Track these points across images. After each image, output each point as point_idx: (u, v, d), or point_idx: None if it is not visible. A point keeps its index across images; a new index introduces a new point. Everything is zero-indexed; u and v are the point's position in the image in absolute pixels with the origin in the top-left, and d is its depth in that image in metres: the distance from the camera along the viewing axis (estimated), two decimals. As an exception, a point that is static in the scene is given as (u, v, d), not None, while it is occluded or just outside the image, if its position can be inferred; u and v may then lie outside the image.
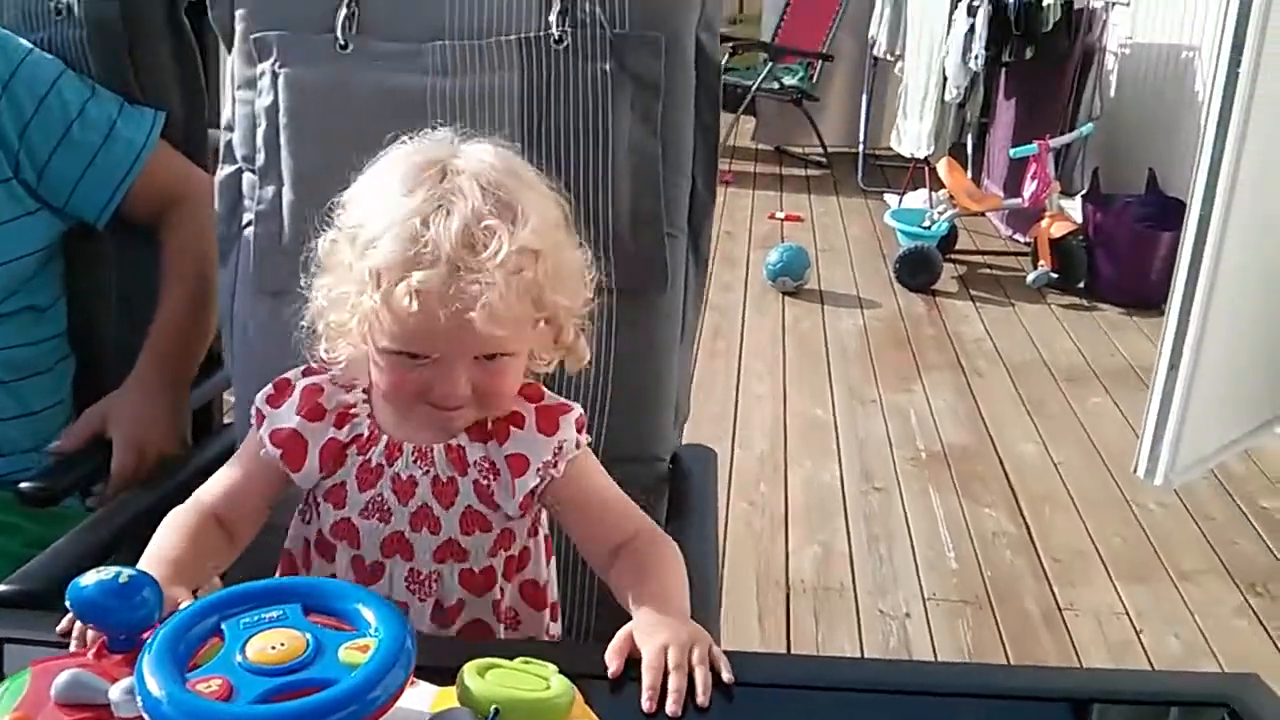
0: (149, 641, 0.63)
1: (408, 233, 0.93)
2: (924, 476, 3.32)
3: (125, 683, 0.65)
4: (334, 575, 1.07)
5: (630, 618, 0.96)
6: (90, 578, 0.71)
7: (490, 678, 0.64)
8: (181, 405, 1.54)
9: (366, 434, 1.06)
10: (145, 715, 0.60)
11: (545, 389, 1.10)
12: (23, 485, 1.39)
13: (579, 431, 1.07)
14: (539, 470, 1.04)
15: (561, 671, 0.69)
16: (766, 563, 2.82)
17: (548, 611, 1.16)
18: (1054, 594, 2.72)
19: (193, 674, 0.62)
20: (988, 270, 5.31)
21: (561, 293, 1.01)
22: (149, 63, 1.62)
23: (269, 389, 1.09)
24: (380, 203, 0.97)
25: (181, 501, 1.08)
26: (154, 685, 0.60)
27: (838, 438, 3.56)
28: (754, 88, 6.95)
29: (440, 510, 1.05)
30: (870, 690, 0.96)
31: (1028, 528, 3.03)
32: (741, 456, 3.38)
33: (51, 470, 1.44)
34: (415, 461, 1.04)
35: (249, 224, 1.44)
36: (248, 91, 1.43)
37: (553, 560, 1.19)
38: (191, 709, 0.58)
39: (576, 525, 1.10)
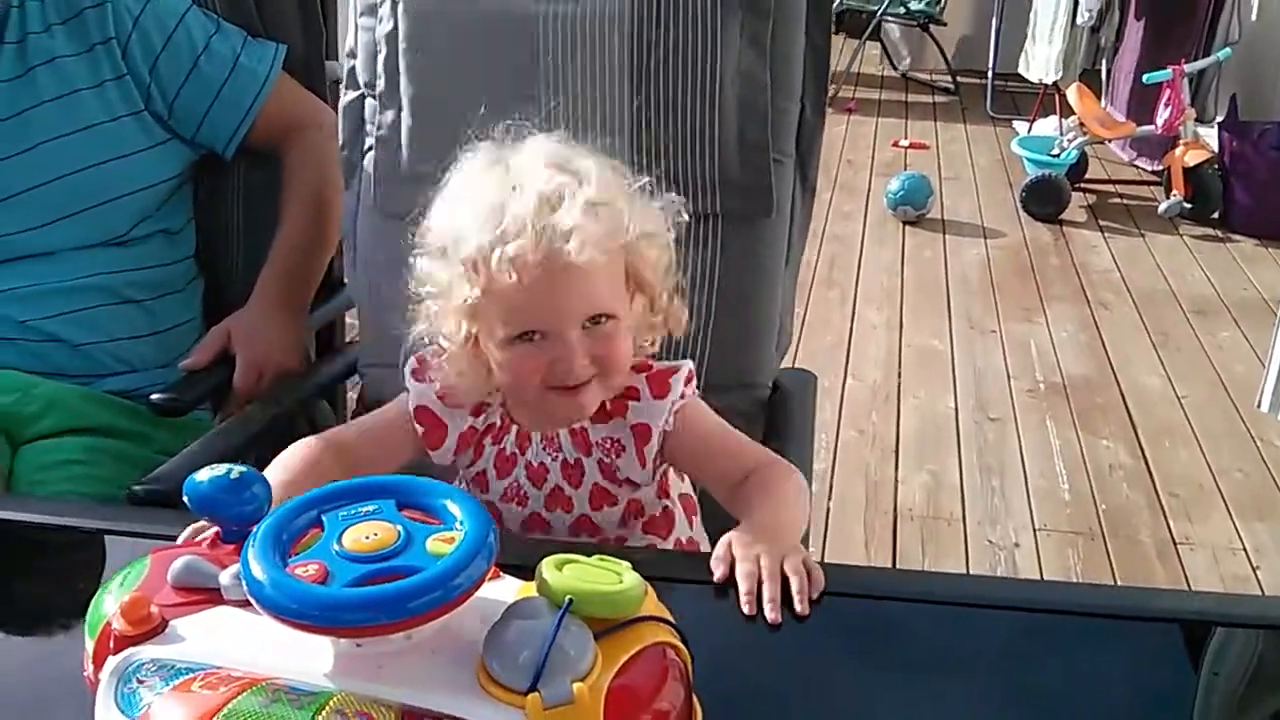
0: (254, 531, 0.68)
1: (489, 217, 0.97)
2: (1042, 408, 3.28)
3: (234, 568, 0.71)
4: None
5: None
6: (205, 474, 0.77)
7: (567, 571, 0.68)
8: (301, 323, 1.62)
9: (499, 424, 1.11)
10: (250, 596, 0.65)
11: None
12: (154, 397, 1.48)
13: (686, 385, 1.09)
14: (662, 433, 1.08)
15: (640, 572, 0.72)
16: (875, 491, 2.83)
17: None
18: (1169, 527, 2.67)
19: (293, 560, 0.67)
20: (1118, 200, 5.15)
21: (642, 248, 1.04)
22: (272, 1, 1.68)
23: (413, 362, 1.12)
24: (457, 210, 1.02)
25: (302, 415, 1.15)
26: (257, 569, 0.65)
27: (954, 368, 3.52)
28: (879, 12, 6.80)
29: (571, 490, 1.10)
30: (973, 605, 0.95)
31: (1146, 461, 2.98)
32: (854, 386, 3.37)
33: (180, 384, 1.52)
34: (544, 448, 1.10)
35: (370, 149, 1.49)
36: (369, 18, 1.48)
37: (696, 517, 1.21)
38: (290, 590, 0.64)
39: (700, 470, 1.14)
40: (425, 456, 1.12)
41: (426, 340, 1.07)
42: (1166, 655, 0.94)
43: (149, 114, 1.60)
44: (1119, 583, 2.44)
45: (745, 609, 0.88)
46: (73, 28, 1.56)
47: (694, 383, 1.11)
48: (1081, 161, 5.14)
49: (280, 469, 1.05)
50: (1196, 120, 4.76)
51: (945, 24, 7.01)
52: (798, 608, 0.88)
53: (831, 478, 2.86)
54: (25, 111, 1.53)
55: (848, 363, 3.53)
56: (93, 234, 1.57)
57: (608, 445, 1.09)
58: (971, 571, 2.51)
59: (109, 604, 0.72)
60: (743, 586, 0.89)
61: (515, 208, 0.96)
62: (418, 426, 1.11)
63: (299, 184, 1.64)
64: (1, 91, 1.52)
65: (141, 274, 1.61)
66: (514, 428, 1.10)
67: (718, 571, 0.92)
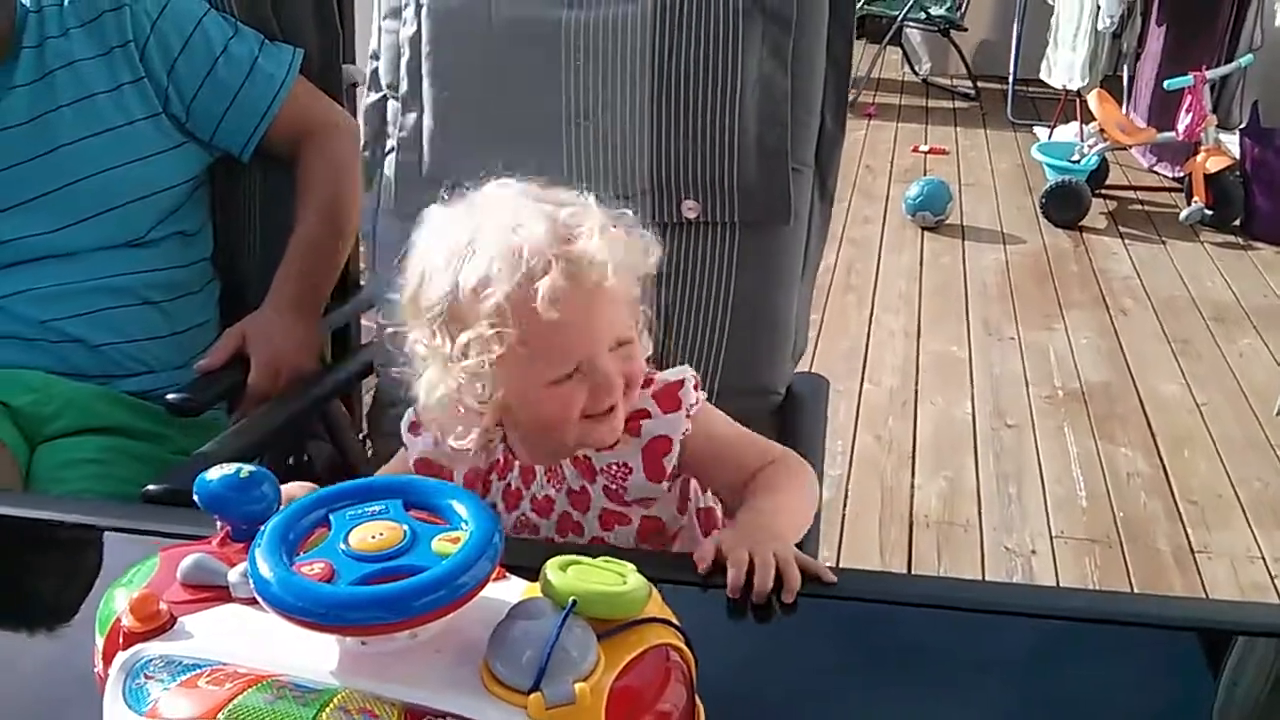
0: (262, 530, 0.69)
1: (506, 261, 0.94)
2: (1059, 415, 3.26)
3: (241, 566, 0.71)
4: None
5: None
6: (215, 473, 0.77)
7: (571, 573, 0.68)
8: (315, 324, 1.63)
9: (502, 460, 1.10)
10: (256, 594, 0.66)
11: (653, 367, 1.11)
12: (170, 397, 1.49)
13: (696, 391, 1.08)
14: (680, 441, 1.06)
15: (644, 574, 0.73)
16: (891, 497, 2.82)
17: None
18: (1188, 536, 2.66)
19: (300, 558, 0.67)
20: (1139, 206, 5.13)
21: (635, 274, 1.02)
22: (287, 3, 1.70)
23: (410, 416, 1.12)
24: (462, 268, 0.96)
25: (317, 415, 1.15)
26: (264, 567, 0.65)
27: (972, 375, 3.52)
28: (900, 17, 6.79)
29: (579, 515, 1.09)
30: (988, 611, 0.94)
31: (1165, 469, 2.96)
32: (871, 392, 3.37)
33: (196, 385, 1.53)
34: (548, 482, 1.09)
35: (391, 150, 1.50)
36: (393, 21, 1.49)
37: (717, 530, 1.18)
38: (296, 588, 0.64)
39: (711, 474, 1.12)
40: None
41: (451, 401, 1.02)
42: (1184, 664, 0.93)
43: (166, 117, 1.62)
44: (1136, 591, 2.43)
45: (730, 593, 0.89)
46: (91, 31, 1.58)
47: (700, 388, 1.10)
48: (1102, 168, 5.12)
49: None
50: (1218, 127, 4.74)
51: (966, 29, 7.00)
52: (785, 597, 0.89)
53: (847, 483, 2.86)
54: (44, 115, 1.54)
55: (865, 368, 3.52)
56: (111, 236, 1.59)
57: (613, 470, 1.07)
58: (987, 578, 2.50)
59: (119, 600, 0.72)
60: (730, 573, 0.90)
61: (530, 244, 0.94)
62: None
63: (315, 186, 1.66)
64: (20, 96, 1.54)
65: (159, 275, 1.63)
66: (516, 464, 1.10)
67: (701, 566, 0.92)
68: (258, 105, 1.65)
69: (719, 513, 1.18)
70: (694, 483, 1.14)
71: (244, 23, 1.67)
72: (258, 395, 1.53)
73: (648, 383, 1.07)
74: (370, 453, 1.61)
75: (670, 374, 1.09)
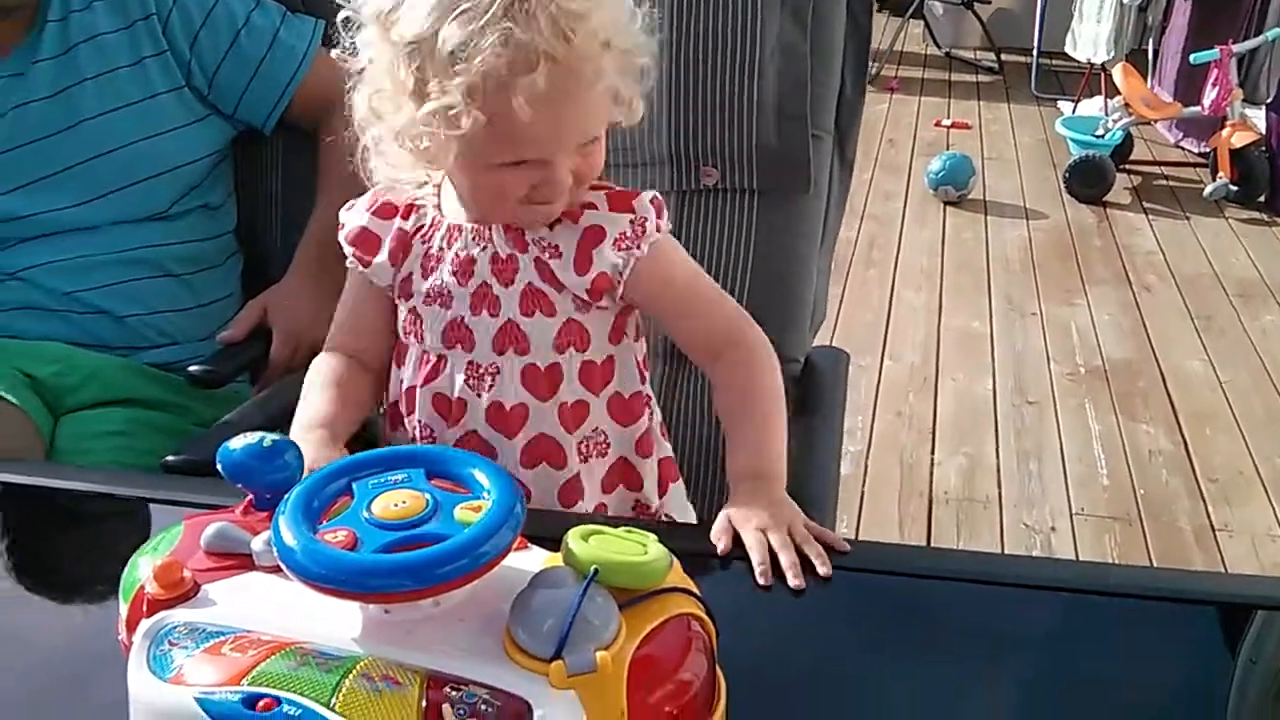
0: (285, 498, 0.69)
1: (500, 38, 0.87)
2: (1081, 392, 3.25)
3: (265, 534, 0.71)
4: (402, 380, 1.09)
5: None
6: (238, 442, 0.77)
7: (592, 542, 0.68)
8: (335, 298, 1.62)
9: (429, 222, 1.05)
10: (280, 561, 0.66)
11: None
12: (193, 369, 1.51)
13: (658, 216, 1.03)
14: (616, 242, 1.01)
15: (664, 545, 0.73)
16: (910, 473, 2.82)
17: (654, 454, 1.13)
18: (1209, 514, 2.65)
19: (323, 526, 0.68)
20: (1163, 181, 5.08)
21: (627, 44, 0.96)
22: (311, -27, 1.69)
23: (348, 204, 1.10)
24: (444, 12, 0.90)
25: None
26: (288, 535, 0.66)
27: (993, 351, 3.50)
28: (923, -9, 6.75)
29: (500, 289, 1.02)
30: (1006, 584, 0.94)
31: (1186, 446, 2.95)
32: (891, 367, 3.36)
33: (219, 356, 1.55)
34: (473, 239, 1.03)
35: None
36: None
37: (645, 380, 1.12)
38: (319, 556, 0.64)
39: (668, 314, 1.09)
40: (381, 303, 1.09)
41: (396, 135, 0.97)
42: (1203, 638, 0.93)
43: (189, 90, 1.62)
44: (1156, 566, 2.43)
45: (760, 580, 0.89)
46: (114, 4, 1.58)
47: (665, 216, 1.04)
48: (1126, 142, 5.08)
49: (311, 408, 1.06)
50: (1244, 101, 4.69)
51: (989, 2, 6.94)
52: (821, 571, 0.89)
53: (867, 459, 2.86)
54: (68, 89, 1.55)
55: (885, 344, 3.52)
56: (135, 209, 1.59)
57: (544, 245, 1.02)
58: (1007, 553, 2.50)
59: (143, 569, 0.73)
60: (755, 558, 0.90)
61: (530, 32, 0.88)
62: (353, 252, 1.08)
63: (336, 159, 1.64)
64: (45, 70, 1.54)
65: (183, 248, 1.63)
66: (444, 223, 1.04)
67: (720, 544, 0.92)
68: (280, 77, 1.65)
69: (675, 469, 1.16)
70: (631, 328, 1.09)
71: (265, -6, 1.67)
72: (279, 367, 1.54)
73: (606, 186, 1.03)
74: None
75: (633, 188, 1.05)
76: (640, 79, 0.99)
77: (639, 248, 1.01)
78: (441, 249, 1.05)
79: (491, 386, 1.04)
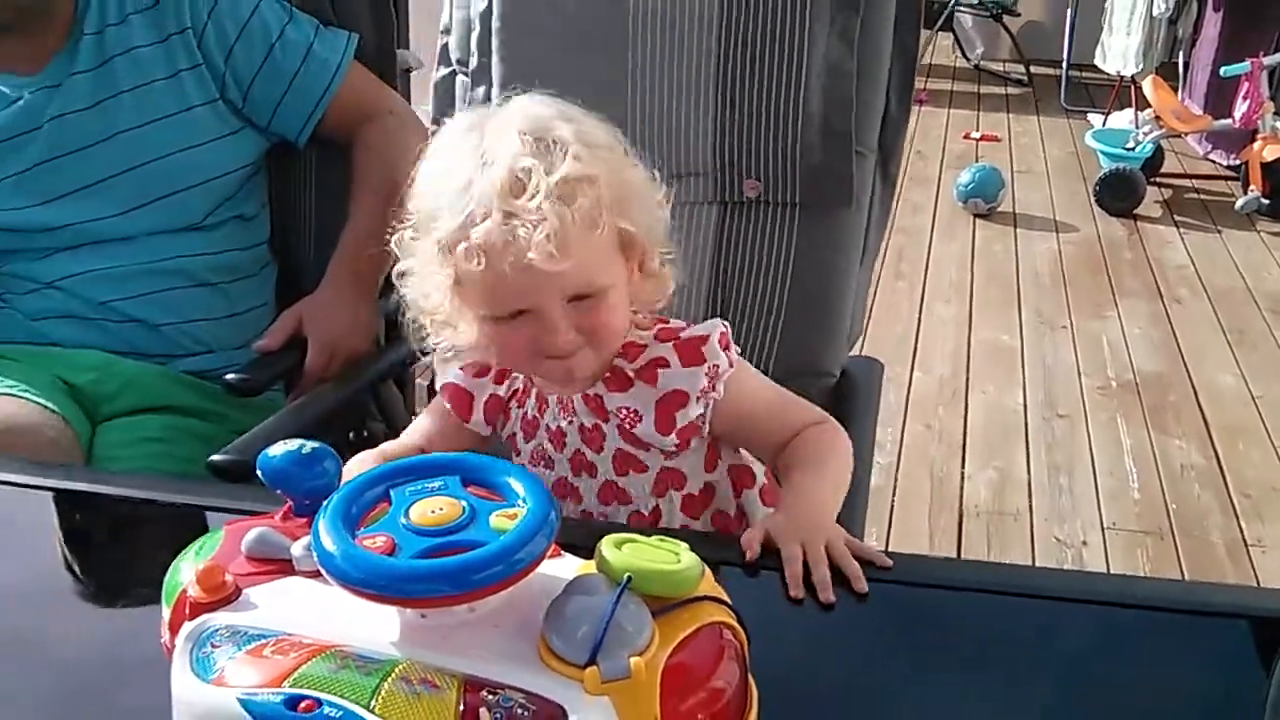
0: (325, 504, 0.70)
1: (457, 198, 0.93)
2: (1112, 406, 3.24)
3: (305, 540, 0.72)
4: None
5: None
6: (278, 449, 0.78)
7: (625, 550, 0.69)
8: (371, 306, 1.64)
9: (522, 388, 1.10)
10: (320, 566, 0.67)
11: (678, 321, 1.08)
12: (229, 377, 1.52)
13: (725, 349, 1.05)
14: (699, 398, 1.04)
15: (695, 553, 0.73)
16: (940, 486, 2.81)
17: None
18: (1241, 529, 2.63)
19: (362, 532, 0.69)
20: (1194, 194, 5.06)
21: (629, 213, 0.98)
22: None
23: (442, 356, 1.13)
24: (434, 182, 0.97)
25: (370, 395, 1.16)
26: (328, 540, 0.67)
27: (1023, 364, 3.49)
28: (952, 3, 6.74)
29: (593, 455, 1.08)
30: (1036, 596, 0.94)
31: (1219, 461, 2.93)
32: (921, 380, 3.35)
33: (254, 365, 1.56)
34: (560, 413, 1.08)
35: (459, 126, 1.51)
36: None
37: (752, 489, 1.16)
38: (359, 561, 0.65)
39: (751, 436, 1.11)
40: (473, 441, 1.13)
41: (414, 315, 1.04)
42: (1235, 652, 0.92)
43: (224, 103, 1.64)
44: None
45: (792, 593, 0.89)
46: (149, 17, 1.60)
47: (733, 347, 1.06)
48: (1157, 155, 5.05)
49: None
50: (1276, 114, 4.66)
51: (1019, 14, 6.94)
52: (856, 588, 0.89)
53: (896, 472, 2.85)
54: (105, 101, 1.57)
55: (915, 356, 3.51)
56: (170, 220, 1.61)
57: (623, 414, 1.05)
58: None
59: (185, 572, 0.74)
60: (788, 570, 0.90)
61: (481, 187, 0.92)
62: (447, 405, 1.11)
63: (370, 170, 1.67)
64: (82, 82, 1.57)
65: (218, 258, 1.65)
66: (533, 392, 1.09)
67: (749, 550, 0.92)
68: (313, 91, 1.67)
69: (755, 470, 1.17)
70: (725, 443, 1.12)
71: (299, 8, 1.69)
72: (314, 376, 1.55)
73: (672, 335, 1.05)
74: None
75: (699, 328, 1.06)
76: (655, 237, 1.01)
77: (716, 390, 1.04)
78: (535, 417, 1.10)
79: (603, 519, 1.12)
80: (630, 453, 1.07)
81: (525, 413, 1.10)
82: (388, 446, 1.13)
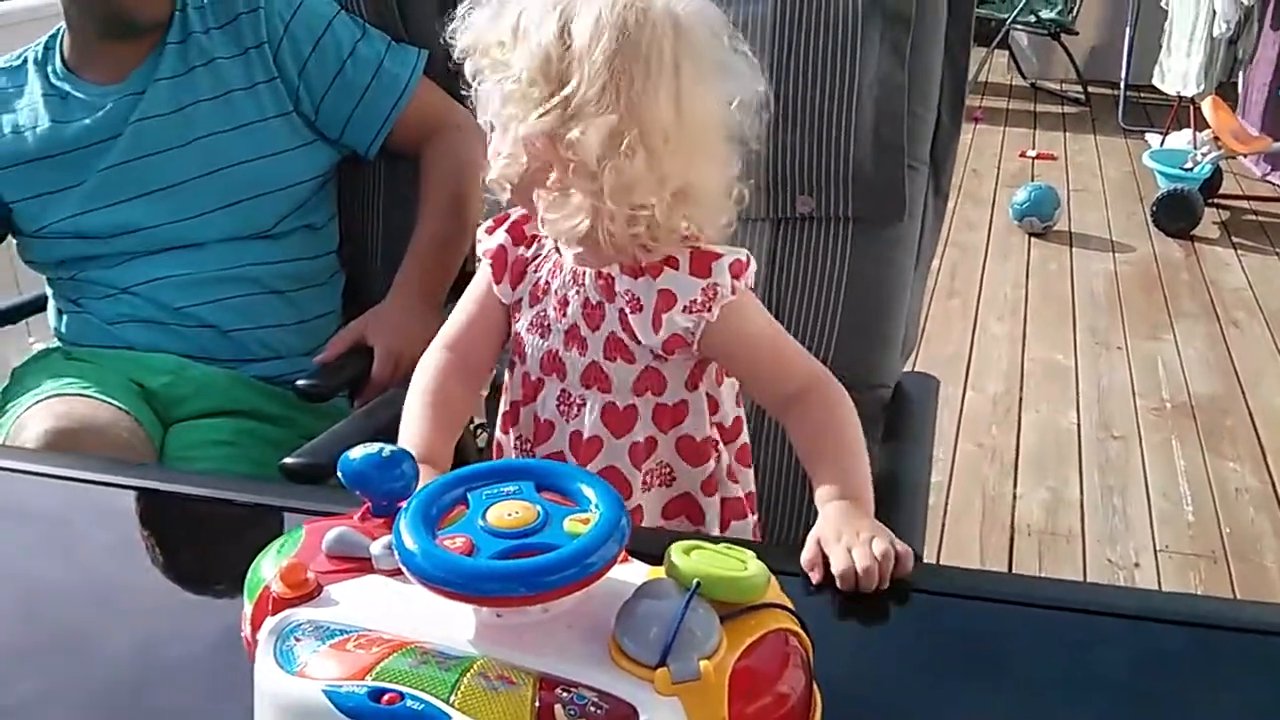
0: (406, 505, 0.73)
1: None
2: (1167, 427, 3.21)
3: (384, 540, 0.75)
4: (509, 392, 1.17)
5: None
6: (358, 452, 0.81)
7: (694, 556, 0.71)
8: (437, 315, 1.66)
9: (544, 253, 1.12)
10: (401, 565, 0.70)
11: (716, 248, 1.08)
12: (299, 383, 1.56)
13: (735, 277, 1.05)
14: (686, 308, 1.04)
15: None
16: (992, 505, 2.80)
17: (719, 493, 1.16)
18: (1297, 553, 2.60)
19: (441, 533, 0.71)
20: (1252, 216, 4.99)
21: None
22: (413, 4, 1.75)
23: (489, 221, 1.17)
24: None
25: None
26: (409, 540, 0.69)
27: (1078, 384, 3.47)
28: (1009, 21, 6.70)
29: (587, 331, 1.08)
30: (1089, 612, 0.95)
31: (1274, 484, 2.90)
32: (974, 398, 3.34)
33: (322, 372, 1.60)
34: (570, 281, 1.09)
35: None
36: None
37: (724, 455, 1.17)
38: (439, 560, 0.68)
39: (742, 371, 1.12)
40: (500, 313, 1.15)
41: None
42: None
43: (297, 115, 1.68)
44: (1243, 606, 2.39)
45: (840, 585, 0.92)
46: (229, 32, 1.65)
47: (746, 277, 1.06)
48: (1215, 176, 5.00)
49: (412, 438, 1.11)
50: (1339, 136, 4.61)
51: (1077, 33, 6.88)
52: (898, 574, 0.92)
53: (948, 490, 2.84)
54: (185, 108, 1.62)
55: (968, 374, 3.50)
56: (241, 226, 1.66)
57: (629, 297, 1.06)
58: (1089, 588, 2.48)
59: (267, 569, 0.77)
60: (835, 568, 0.92)
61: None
62: (488, 265, 1.14)
63: (437, 182, 1.71)
64: (165, 88, 1.62)
65: (286, 266, 1.69)
66: (553, 257, 1.11)
67: (814, 575, 0.94)
68: (383, 106, 1.71)
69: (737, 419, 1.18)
70: (711, 373, 1.13)
71: (371, 24, 1.73)
72: (380, 383, 1.59)
73: (696, 244, 1.06)
74: (483, 442, 1.65)
75: (721, 248, 1.06)
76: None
77: (709, 311, 1.05)
78: (548, 282, 1.11)
79: (575, 416, 1.12)
80: (623, 340, 1.08)
81: (540, 278, 1.11)
82: (446, 329, 1.18)
